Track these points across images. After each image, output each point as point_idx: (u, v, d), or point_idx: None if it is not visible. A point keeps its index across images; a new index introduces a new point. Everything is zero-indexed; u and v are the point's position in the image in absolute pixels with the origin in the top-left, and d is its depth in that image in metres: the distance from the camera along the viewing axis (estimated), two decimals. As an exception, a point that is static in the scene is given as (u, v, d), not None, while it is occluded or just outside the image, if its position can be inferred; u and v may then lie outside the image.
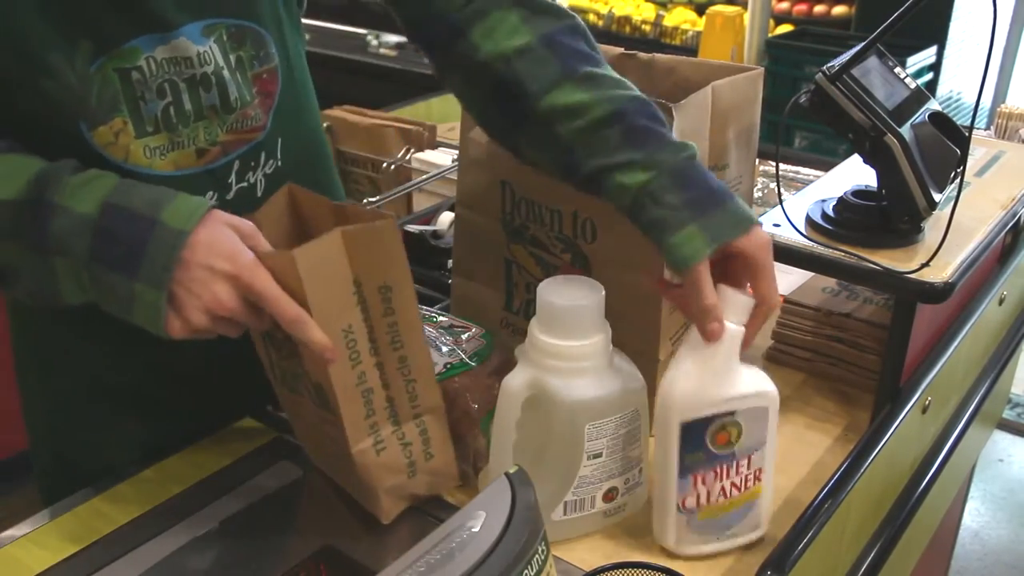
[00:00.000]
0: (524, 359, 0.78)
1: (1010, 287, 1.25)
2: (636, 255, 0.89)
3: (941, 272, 0.89)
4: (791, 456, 0.95)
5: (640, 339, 0.92)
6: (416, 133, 1.99)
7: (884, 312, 1.04)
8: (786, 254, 0.95)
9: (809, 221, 0.99)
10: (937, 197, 0.92)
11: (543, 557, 0.60)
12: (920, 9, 0.86)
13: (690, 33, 3.89)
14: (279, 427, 0.95)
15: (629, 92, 0.81)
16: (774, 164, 1.29)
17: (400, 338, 0.76)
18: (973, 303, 1.12)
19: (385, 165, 1.95)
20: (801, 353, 1.09)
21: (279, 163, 0.90)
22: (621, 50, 1.02)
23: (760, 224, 0.78)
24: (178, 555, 0.80)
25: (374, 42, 3.60)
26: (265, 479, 0.89)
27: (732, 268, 0.77)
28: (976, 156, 1.19)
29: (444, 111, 2.30)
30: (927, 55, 3.06)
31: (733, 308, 0.75)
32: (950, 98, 3.32)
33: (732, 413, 0.77)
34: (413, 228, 1.36)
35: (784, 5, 3.72)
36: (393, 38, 3.61)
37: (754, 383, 0.78)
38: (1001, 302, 1.24)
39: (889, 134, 0.90)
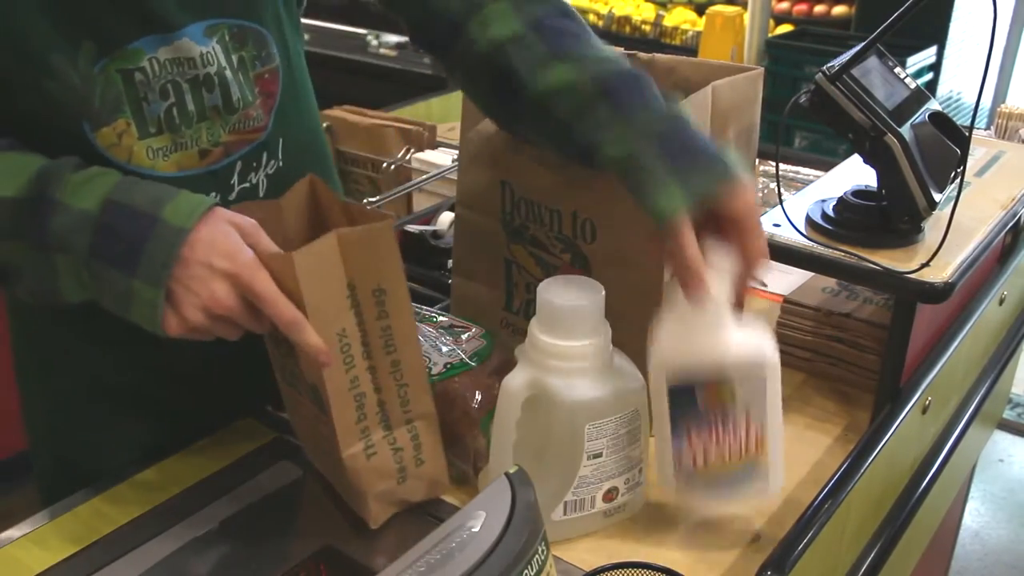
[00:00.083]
0: (524, 359, 0.78)
1: (1010, 287, 1.25)
2: (636, 255, 0.89)
3: (941, 272, 0.89)
4: (791, 456, 0.94)
5: (640, 339, 0.91)
6: (416, 133, 1.99)
7: (884, 312, 1.04)
8: (786, 254, 0.95)
9: (809, 221, 0.99)
10: (937, 197, 0.92)
11: (543, 557, 0.60)
12: (920, 9, 0.86)
13: (690, 33, 3.89)
14: (279, 427, 0.95)
15: (615, 65, 0.80)
16: (774, 164, 1.29)
17: (393, 342, 0.76)
18: (973, 303, 1.12)
19: (385, 165, 1.95)
20: (801, 353, 1.09)
21: (280, 163, 0.90)
22: (621, 50, 1.01)
23: (743, 180, 0.76)
24: (178, 555, 0.80)
25: (374, 42, 3.60)
26: (265, 479, 0.89)
27: (722, 230, 0.76)
28: (976, 156, 1.19)
29: (444, 111, 2.30)
30: (927, 55, 3.06)
31: (720, 269, 0.74)
32: (950, 98, 3.32)
33: (723, 374, 0.75)
34: (413, 228, 1.36)
35: (784, 5, 3.72)
36: (393, 38, 3.61)
37: (747, 346, 0.75)
38: (1001, 302, 1.24)
39: (889, 134, 0.90)
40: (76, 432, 0.97)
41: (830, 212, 0.98)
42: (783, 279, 1.23)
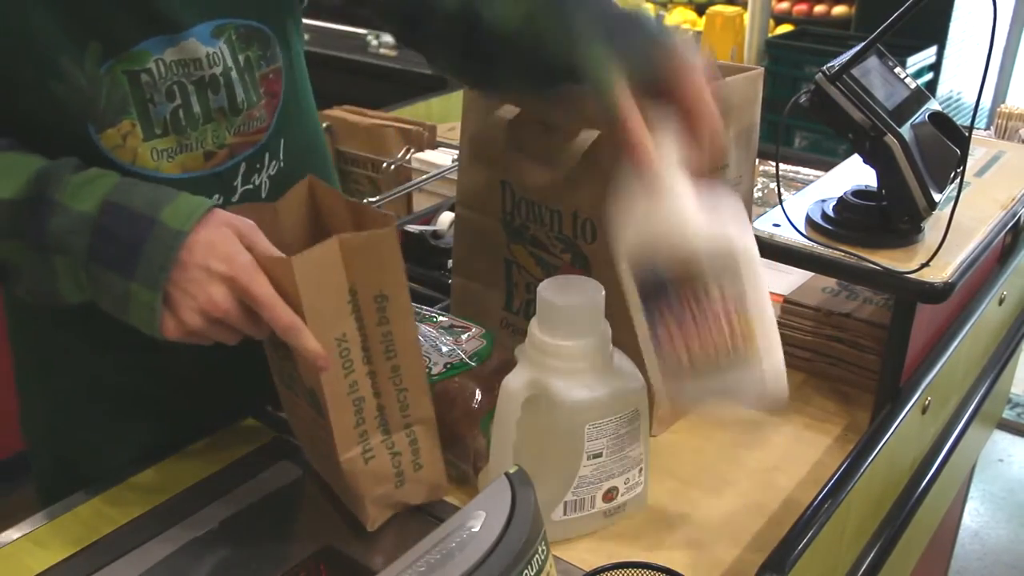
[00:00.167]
0: (524, 359, 0.78)
1: (1010, 287, 1.25)
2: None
3: (941, 272, 0.89)
4: (791, 456, 0.95)
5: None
6: (416, 133, 1.99)
7: (884, 312, 1.04)
8: (786, 254, 0.95)
9: (809, 221, 0.99)
10: (937, 197, 0.92)
11: (543, 557, 0.60)
12: (920, 9, 0.86)
13: (690, 33, 3.89)
14: (279, 427, 0.95)
15: None
16: (774, 164, 1.29)
17: (394, 347, 0.76)
18: (973, 303, 1.12)
19: (385, 165, 1.95)
20: (801, 353, 1.09)
21: (282, 164, 0.90)
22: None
23: (686, 52, 0.72)
24: (178, 555, 0.80)
25: (374, 42, 3.60)
26: (265, 479, 0.89)
27: (678, 118, 0.72)
28: (976, 156, 1.19)
29: (444, 111, 2.30)
30: (927, 55, 3.06)
31: (671, 146, 0.69)
32: (950, 98, 3.32)
33: (688, 267, 0.69)
34: (413, 228, 1.36)
35: (784, 5, 3.73)
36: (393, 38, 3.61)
37: (712, 233, 0.69)
38: (1001, 302, 1.24)
39: (889, 134, 0.90)
40: (76, 433, 0.97)
41: (830, 212, 0.98)
42: (783, 279, 1.23)
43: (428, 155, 1.95)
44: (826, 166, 1.21)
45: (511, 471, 0.62)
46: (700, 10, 3.89)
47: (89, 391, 0.94)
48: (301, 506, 0.88)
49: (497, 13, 0.79)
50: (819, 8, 3.67)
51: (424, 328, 0.93)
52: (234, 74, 0.82)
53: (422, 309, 0.99)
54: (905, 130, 0.91)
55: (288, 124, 0.90)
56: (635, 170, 0.69)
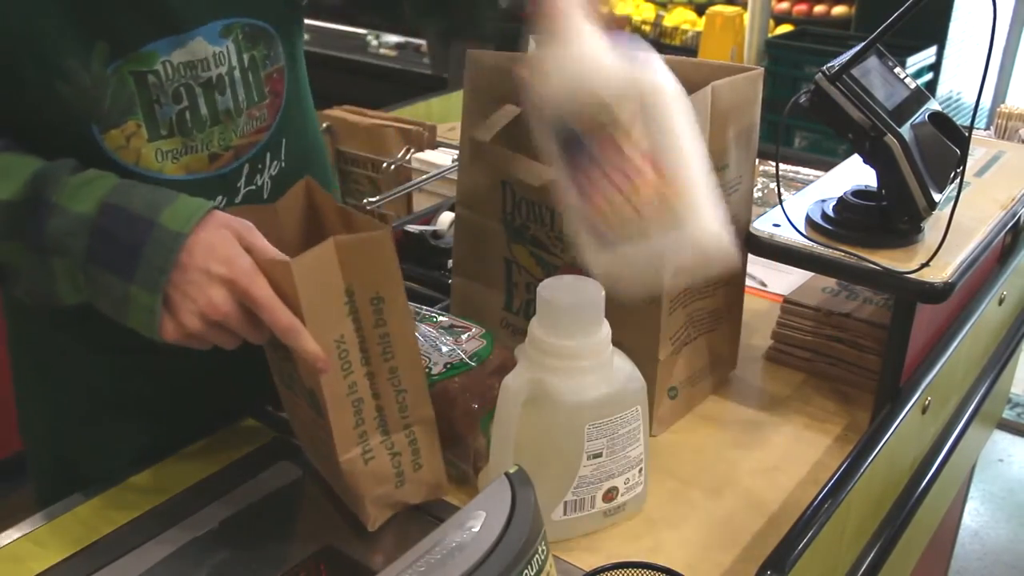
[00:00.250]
0: (524, 359, 0.78)
1: (1010, 287, 1.25)
2: (636, 255, 0.89)
3: (941, 272, 0.89)
4: (791, 456, 0.95)
5: (640, 339, 0.92)
6: (416, 133, 1.99)
7: (884, 312, 1.04)
8: (786, 254, 0.95)
9: (809, 221, 0.99)
10: (937, 197, 0.92)
11: (543, 557, 0.60)
12: (920, 9, 0.86)
13: (690, 33, 3.89)
14: (279, 427, 0.95)
15: None
16: (774, 164, 1.29)
17: (392, 349, 0.76)
18: (973, 303, 1.12)
19: (385, 165, 1.95)
20: (801, 353, 1.09)
21: (283, 164, 0.90)
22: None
23: None
24: (178, 555, 0.80)
25: (374, 42, 3.60)
26: (265, 479, 0.89)
27: None
28: (976, 156, 1.19)
29: (444, 111, 2.30)
30: (927, 55, 3.06)
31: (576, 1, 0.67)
32: (950, 98, 3.32)
33: (601, 110, 0.66)
34: (413, 228, 1.36)
35: (784, 5, 3.73)
36: (393, 38, 3.61)
37: (624, 72, 0.66)
38: (1001, 302, 1.24)
39: (889, 134, 0.90)
40: (75, 434, 0.97)
41: (830, 212, 0.98)
42: (783, 279, 1.23)
43: (428, 155, 1.95)
44: (826, 166, 1.21)
45: (511, 471, 0.62)
46: (700, 10, 3.89)
47: (88, 392, 0.94)
48: (301, 506, 0.88)
49: None
50: (819, 8, 3.67)
51: (424, 328, 0.93)
52: (237, 73, 0.82)
53: (422, 309, 0.99)
54: (905, 130, 0.91)
55: (290, 124, 0.90)
56: (544, 24, 0.66)
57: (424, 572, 0.56)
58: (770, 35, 3.37)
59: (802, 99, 0.93)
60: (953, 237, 0.91)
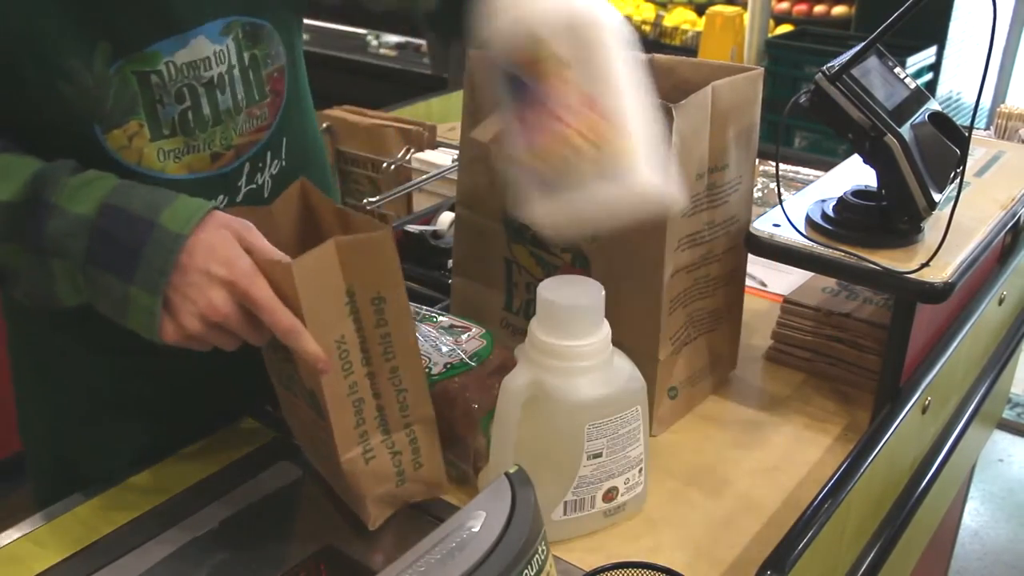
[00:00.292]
0: (524, 359, 0.78)
1: (1010, 287, 1.25)
2: (636, 255, 0.89)
3: (941, 272, 0.89)
4: (791, 456, 0.95)
5: (640, 339, 0.92)
6: (416, 133, 1.99)
7: (884, 312, 1.04)
8: (786, 254, 0.95)
9: (809, 221, 0.99)
10: (937, 197, 0.92)
11: (543, 557, 0.60)
12: (920, 9, 0.86)
13: (690, 33, 3.89)
14: (279, 427, 0.95)
15: None
16: (774, 164, 1.29)
17: (392, 348, 0.76)
18: (973, 303, 1.12)
19: (385, 165, 1.95)
20: (801, 353, 1.09)
21: (283, 163, 0.90)
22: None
23: None
24: (179, 555, 0.80)
25: (374, 42, 3.61)
26: (265, 479, 0.89)
27: None
28: (976, 156, 1.19)
29: (444, 111, 2.30)
30: (927, 55, 3.06)
31: None
32: (950, 98, 3.32)
33: (543, 44, 0.64)
34: (413, 228, 1.36)
35: (784, 5, 3.73)
36: (393, 38, 3.62)
37: (563, 5, 0.64)
38: (1001, 302, 1.24)
39: (889, 134, 0.90)
40: (75, 434, 0.97)
41: (830, 212, 0.98)
42: (783, 279, 1.23)
43: (428, 155, 1.95)
44: (826, 166, 1.21)
45: (511, 471, 0.62)
46: (700, 10, 3.89)
47: (88, 393, 0.94)
48: (301, 506, 0.88)
49: None
50: (819, 8, 3.67)
51: (424, 328, 0.93)
52: (236, 72, 0.82)
53: (422, 309, 0.99)
54: (905, 130, 0.91)
55: (290, 123, 0.90)
56: None
57: (424, 572, 0.56)
58: (770, 35, 3.37)
59: (802, 99, 0.93)
60: (953, 237, 0.91)
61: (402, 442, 0.80)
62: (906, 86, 0.97)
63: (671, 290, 0.91)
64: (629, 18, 4.01)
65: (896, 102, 0.93)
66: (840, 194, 1.00)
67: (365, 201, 1.73)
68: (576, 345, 0.76)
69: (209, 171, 0.84)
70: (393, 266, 0.74)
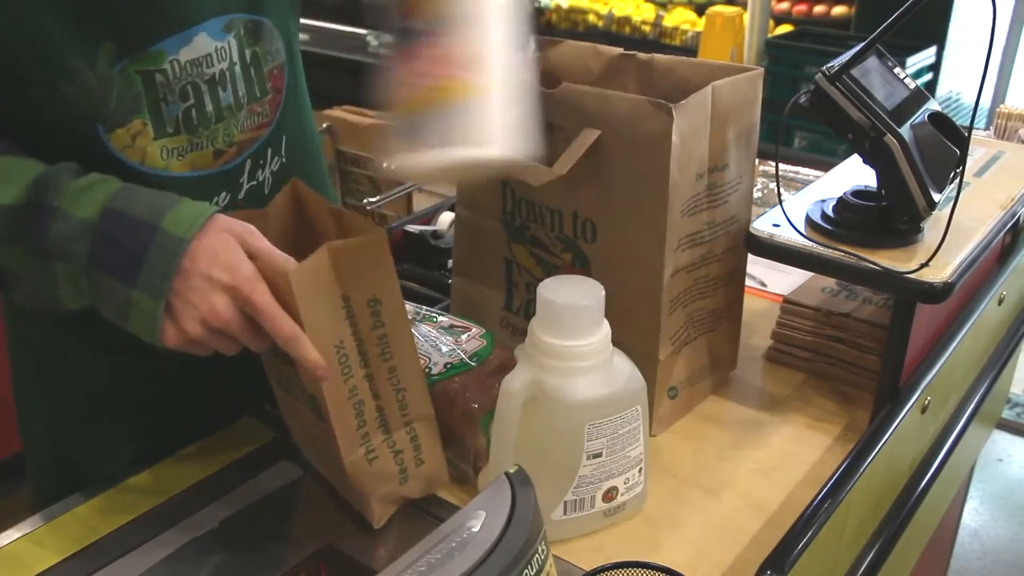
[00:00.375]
0: (524, 359, 0.78)
1: (1010, 287, 1.25)
2: (636, 255, 0.89)
3: (941, 272, 0.89)
4: (791, 456, 0.95)
5: (640, 339, 0.92)
6: (416, 133, 1.99)
7: (884, 312, 1.04)
8: (786, 254, 0.95)
9: (809, 221, 0.99)
10: (937, 197, 0.92)
11: (543, 557, 0.60)
12: (920, 9, 0.86)
13: (690, 33, 3.89)
14: (279, 427, 0.95)
15: None
16: (774, 164, 1.29)
17: (390, 349, 0.76)
18: (973, 303, 1.12)
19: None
20: (801, 353, 1.09)
21: (283, 160, 0.91)
22: (620, 50, 1.02)
23: None
24: (179, 555, 0.80)
25: (374, 42, 3.60)
26: (265, 479, 0.89)
27: None
28: (976, 156, 1.19)
29: (444, 111, 2.30)
30: (927, 55, 3.06)
31: None
32: (950, 98, 3.32)
33: None
34: (413, 228, 1.36)
35: (784, 5, 3.73)
36: (393, 38, 3.61)
37: None
38: (1000, 302, 1.24)
39: (889, 134, 0.90)
40: (75, 434, 0.97)
41: (830, 212, 0.98)
42: (783, 279, 1.23)
43: (428, 155, 1.94)
44: (826, 166, 1.21)
45: (511, 471, 0.62)
46: (700, 10, 3.89)
47: (88, 393, 0.94)
48: (301, 506, 0.88)
49: None
50: (819, 8, 3.67)
51: (424, 328, 0.93)
52: (238, 68, 0.83)
53: (422, 309, 0.99)
54: (905, 130, 0.91)
55: (289, 120, 0.90)
56: None
57: (424, 572, 0.56)
58: (770, 35, 3.37)
59: (802, 99, 0.93)
60: (953, 237, 0.91)
61: (403, 441, 0.80)
62: (906, 86, 0.97)
63: (671, 290, 0.92)
64: (629, 18, 4.02)
65: (896, 102, 0.93)
66: (840, 194, 1.00)
67: (365, 201, 1.73)
68: (576, 345, 0.76)
69: (212, 168, 0.84)
70: (387, 267, 0.74)
